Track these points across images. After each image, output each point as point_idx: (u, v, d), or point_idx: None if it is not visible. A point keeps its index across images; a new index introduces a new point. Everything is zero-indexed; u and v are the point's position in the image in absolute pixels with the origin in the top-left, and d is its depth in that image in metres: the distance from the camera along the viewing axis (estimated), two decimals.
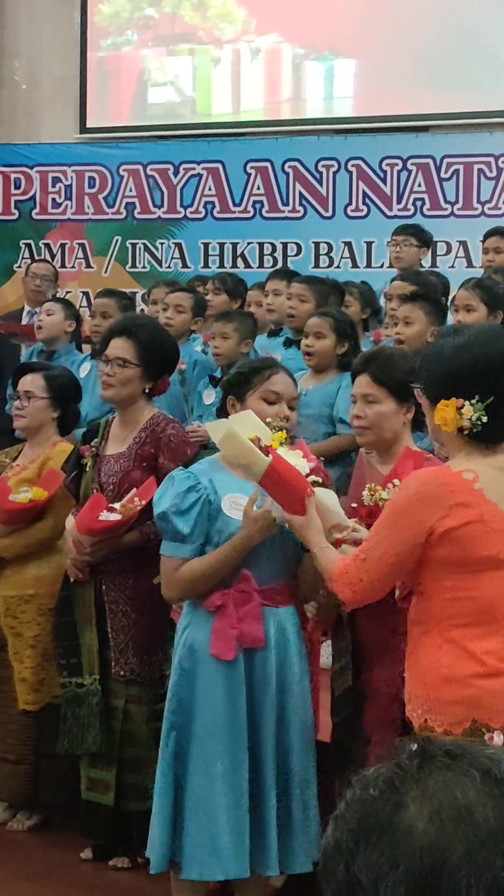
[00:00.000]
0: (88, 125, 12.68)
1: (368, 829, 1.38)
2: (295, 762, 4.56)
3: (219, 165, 11.56)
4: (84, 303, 11.58)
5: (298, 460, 4.35)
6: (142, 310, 9.44)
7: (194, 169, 11.63)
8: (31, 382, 5.96)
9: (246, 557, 4.48)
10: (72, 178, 12.00)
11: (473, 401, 3.73)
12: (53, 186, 12.06)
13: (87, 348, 8.72)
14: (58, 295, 9.23)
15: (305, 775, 4.57)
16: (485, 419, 3.72)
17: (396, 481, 4.32)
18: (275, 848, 4.49)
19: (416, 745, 1.45)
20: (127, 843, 5.39)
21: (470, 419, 3.74)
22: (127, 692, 5.37)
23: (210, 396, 7.10)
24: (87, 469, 5.47)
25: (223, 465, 4.59)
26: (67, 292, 10.54)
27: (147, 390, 5.49)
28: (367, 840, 1.37)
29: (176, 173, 11.69)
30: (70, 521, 5.39)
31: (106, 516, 5.22)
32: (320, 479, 4.38)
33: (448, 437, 3.85)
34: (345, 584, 3.93)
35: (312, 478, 4.31)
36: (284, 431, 4.50)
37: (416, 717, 3.84)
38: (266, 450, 4.32)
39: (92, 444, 5.51)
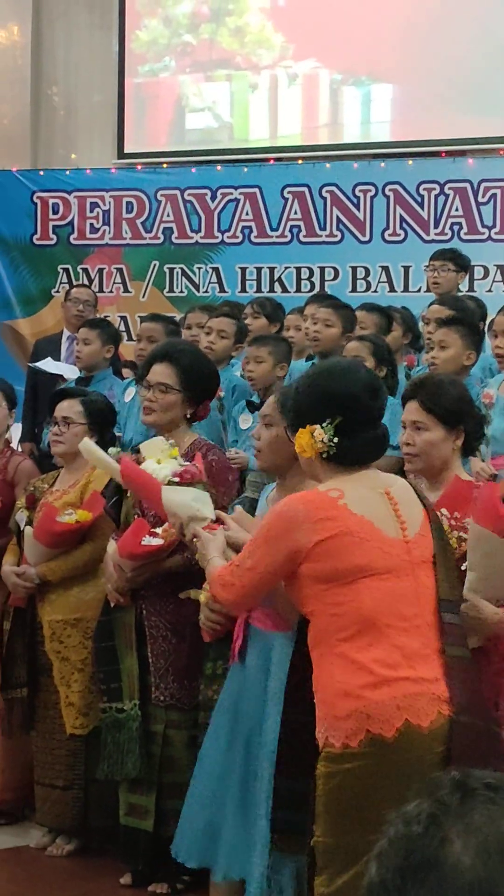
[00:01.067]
0: (126, 151, 12.72)
1: (415, 867, 1.37)
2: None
3: (256, 190, 11.58)
4: (122, 327, 11.61)
5: (165, 469, 4.79)
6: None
7: (232, 194, 11.65)
8: (69, 408, 5.98)
9: None
10: (110, 203, 12.05)
11: (324, 424, 3.91)
12: (91, 212, 12.11)
13: (127, 372, 8.76)
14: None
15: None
16: (336, 440, 3.89)
17: (444, 510, 4.34)
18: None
19: (454, 779, 1.44)
20: (166, 869, 5.38)
21: (323, 441, 3.91)
22: (167, 717, 5.37)
23: (247, 421, 7.11)
24: (129, 494, 5.48)
25: None
26: (105, 317, 10.54)
27: (188, 416, 5.50)
28: (414, 878, 1.36)
29: (213, 198, 11.71)
30: (112, 546, 5.40)
31: (148, 541, 5.23)
32: (177, 480, 4.72)
33: (310, 465, 4.03)
34: (220, 585, 4.11)
35: (170, 479, 4.72)
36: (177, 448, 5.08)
37: (319, 736, 3.85)
38: (120, 459, 4.91)
39: None
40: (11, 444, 6.49)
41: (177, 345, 5.87)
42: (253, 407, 7.15)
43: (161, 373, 5.47)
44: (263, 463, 4.81)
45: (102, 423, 6.03)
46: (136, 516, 5.42)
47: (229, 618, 4.77)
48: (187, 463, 4.95)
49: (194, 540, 4.47)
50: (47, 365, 8.89)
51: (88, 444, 5.14)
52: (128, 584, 5.37)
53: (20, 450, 7.41)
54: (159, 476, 4.79)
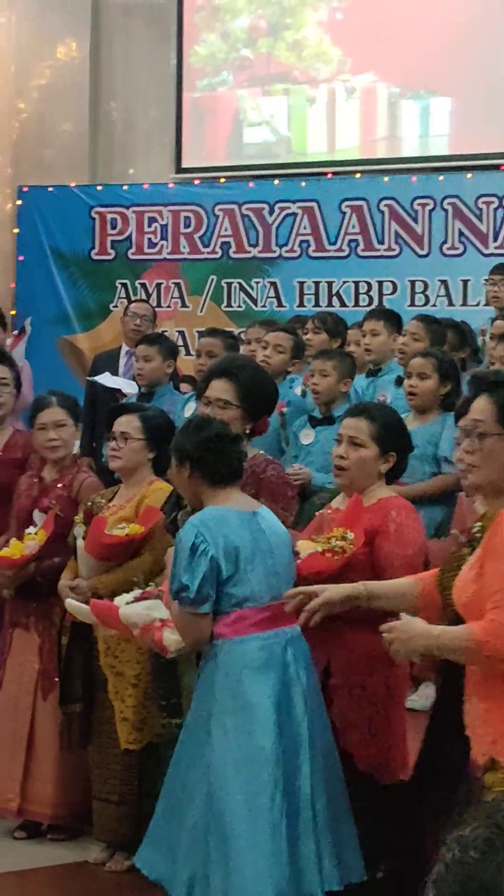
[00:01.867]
0: (184, 165, 12.76)
1: (472, 893, 1.35)
2: None
3: (314, 204, 11.58)
4: (179, 342, 11.63)
5: (127, 596, 5.21)
6: None
7: (289, 208, 11.66)
8: (127, 423, 5.98)
9: None
10: (167, 218, 12.08)
11: None
12: (149, 226, 12.15)
13: (185, 387, 8.76)
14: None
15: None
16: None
17: None
18: None
19: None
20: None
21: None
22: None
23: (308, 437, 7.09)
24: (187, 510, 5.46)
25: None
26: (163, 331, 10.55)
27: (248, 431, 5.49)
28: None
29: (271, 213, 11.72)
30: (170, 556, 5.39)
31: None
32: (133, 599, 5.16)
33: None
34: (496, 635, 3.76)
35: (128, 601, 5.17)
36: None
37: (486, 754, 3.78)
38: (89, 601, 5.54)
39: None
40: (77, 460, 6.50)
41: (236, 360, 5.84)
42: (315, 422, 7.14)
43: (220, 388, 5.46)
44: (344, 481, 4.90)
45: (160, 438, 6.01)
46: None
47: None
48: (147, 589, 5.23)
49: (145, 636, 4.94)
50: (106, 379, 8.91)
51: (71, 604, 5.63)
52: None
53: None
54: (121, 602, 5.15)
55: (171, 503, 5.56)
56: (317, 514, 5.00)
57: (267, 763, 4.46)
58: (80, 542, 5.84)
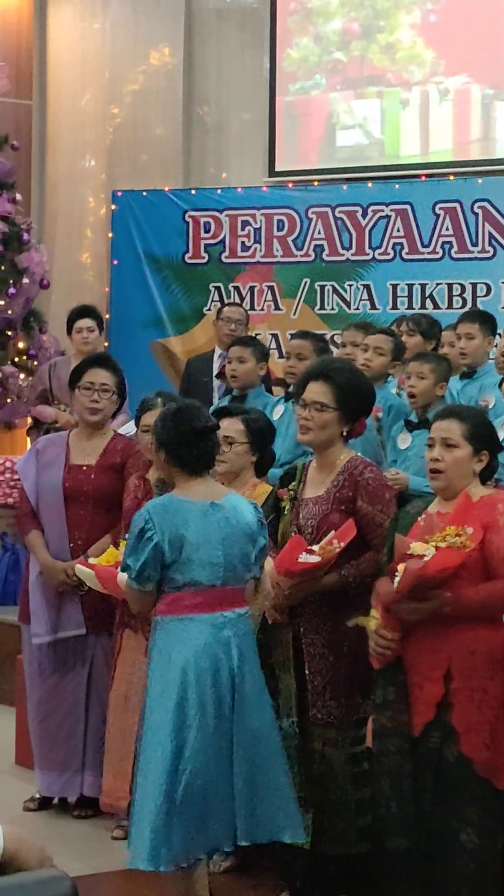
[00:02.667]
0: (277, 169, 12.77)
1: None
2: None
3: (407, 207, 11.54)
4: (273, 345, 11.65)
5: None
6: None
7: (383, 210, 11.62)
8: (231, 427, 6.00)
9: None
10: (261, 221, 12.09)
11: None
12: (243, 230, 12.16)
13: (277, 390, 8.77)
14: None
15: None
16: None
17: None
18: None
19: None
20: (324, 887, 5.36)
21: None
22: (324, 735, 5.35)
23: (405, 441, 7.07)
24: (286, 512, 5.49)
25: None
26: (257, 334, 10.57)
27: (344, 433, 5.50)
28: None
29: (364, 215, 11.69)
30: (269, 563, 5.41)
31: (305, 558, 5.23)
32: None
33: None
34: None
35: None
36: None
37: None
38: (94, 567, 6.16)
39: (290, 487, 5.53)
40: None
41: (332, 363, 5.85)
42: (411, 426, 7.12)
43: (317, 391, 5.47)
44: (442, 483, 4.94)
45: (263, 441, 6.04)
46: (293, 534, 5.42)
47: (399, 643, 4.79)
48: None
49: None
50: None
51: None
52: (285, 602, 5.37)
53: None
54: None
55: (270, 505, 5.59)
56: (419, 520, 4.99)
57: (169, 734, 4.85)
58: None
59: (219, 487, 5.23)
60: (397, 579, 4.75)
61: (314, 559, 5.23)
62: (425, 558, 4.69)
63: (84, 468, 6.75)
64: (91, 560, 6.16)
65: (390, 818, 4.84)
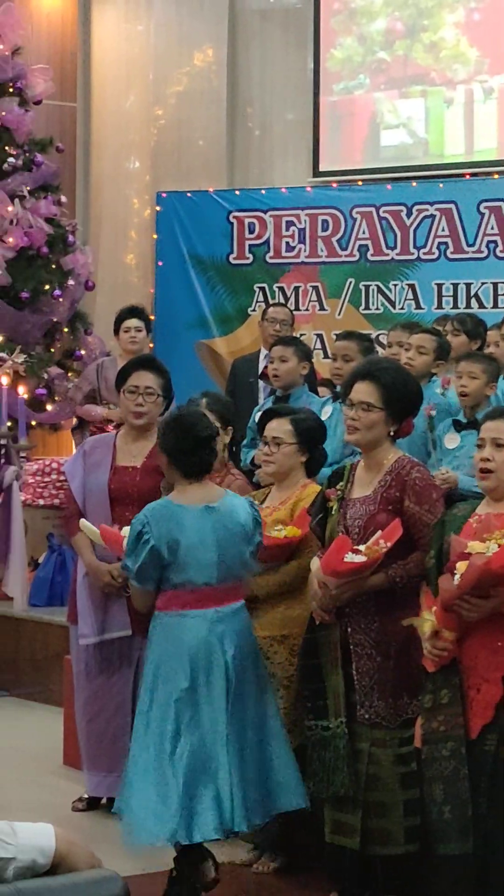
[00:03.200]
0: (321, 169, 12.77)
1: None
2: None
3: (452, 206, 11.51)
4: (318, 345, 11.65)
5: None
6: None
7: (427, 210, 11.60)
8: (279, 428, 6.00)
9: None
10: (305, 221, 12.09)
11: None
12: (287, 230, 12.17)
13: (323, 390, 8.76)
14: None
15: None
16: None
17: None
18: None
19: None
20: (373, 888, 5.36)
21: None
22: (372, 736, 5.34)
23: (453, 441, 7.06)
24: (333, 512, 5.48)
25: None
26: (301, 335, 10.58)
27: (391, 433, 5.49)
28: None
29: (409, 215, 11.67)
30: (315, 563, 5.41)
31: (351, 558, 5.23)
32: None
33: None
34: None
35: None
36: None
37: None
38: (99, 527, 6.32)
39: (338, 487, 5.53)
40: (227, 463, 6.53)
41: (379, 363, 5.85)
42: (460, 427, 7.10)
43: (363, 391, 5.47)
44: (492, 483, 4.95)
45: (312, 441, 6.04)
46: (339, 534, 5.42)
47: (456, 644, 4.78)
48: None
49: None
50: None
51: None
52: (332, 602, 5.36)
53: None
54: (125, 532, 5.73)
55: (318, 505, 5.59)
56: (470, 521, 4.97)
57: (171, 721, 5.19)
58: None
59: (215, 490, 5.47)
60: (457, 577, 4.74)
61: (360, 559, 5.22)
62: (487, 555, 4.69)
63: (130, 469, 6.75)
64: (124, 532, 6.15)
65: (443, 824, 4.81)
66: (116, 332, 9.40)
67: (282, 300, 11.76)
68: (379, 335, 10.54)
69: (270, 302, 11.48)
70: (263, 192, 12.47)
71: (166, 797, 5.12)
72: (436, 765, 4.87)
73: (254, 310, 11.97)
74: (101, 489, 6.72)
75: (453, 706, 4.84)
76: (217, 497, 5.40)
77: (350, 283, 11.87)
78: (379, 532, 5.28)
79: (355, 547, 5.28)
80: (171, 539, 5.25)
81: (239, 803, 5.16)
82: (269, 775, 5.30)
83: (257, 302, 12.05)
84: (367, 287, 11.81)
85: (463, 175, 11.85)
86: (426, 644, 4.91)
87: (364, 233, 11.83)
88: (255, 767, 5.25)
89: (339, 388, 7.76)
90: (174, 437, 5.40)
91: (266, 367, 8.46)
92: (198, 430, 5.38)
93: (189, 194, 12.63)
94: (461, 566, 4.77)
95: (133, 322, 9.28)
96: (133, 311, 9.41)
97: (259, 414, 6.70)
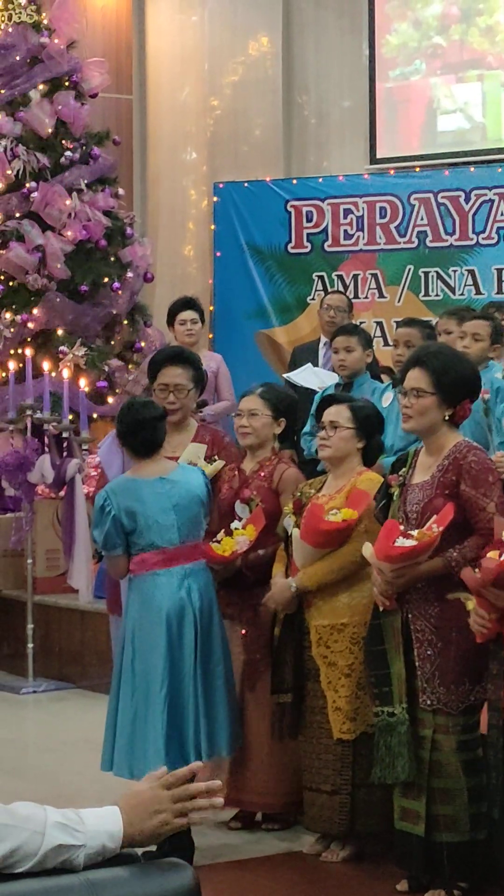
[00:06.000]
0: (378, 156, 12.73)
1: None
2: None
3: None
4: (377, 333, 11.61)
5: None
6: None
7: (486, 195, 11.54)
8: (337, 413, 6.00)
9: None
10: (363, 209, 12.05)
11: None
12: (345, 218, 12.13)
13: (384, 378, 8.73)
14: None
15: None
16: None
17: None
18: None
19: None
20: (441, 875, 5.34)
21: None
22: (434, 722, 5.32)
23: None
24: (395, 498, 5.47)
25: None
26: (361, 322, 10.55)
27: (447, 417, 5.46)
28: None
29: (467, 200, 11.61)
30: (367, 549, 5.40)
31: (402, 542, 5.21)
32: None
33: None
34: None
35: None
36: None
37: None
38: None
39: (400, 473, 5.51)
40: (278, 452, 6.51)
41: (429, 348, 5.83)
42: None
43: (414, 378, 5.46)
44: None
45: (370, 428, 6.03)
46: (400, 520, 5.40)
47: (500, 618, 4.78)
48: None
49: None
50: (300, 378, 8.93)
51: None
52: (391, 588, 5.35)
53: None
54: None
55: (382, 492, 5.58)
56: None
57: (162, 670, 5.74)
58: (294, 532, 5.88)
59: (168, 464, 6.05)
60: (476, 571, 4.79)
61: (410, 543, 5.20)
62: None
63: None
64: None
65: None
66: (171, 324, 9.40)
67: (341, 288, 11.74)
68: (437, 322, 10.49)
69: (329, 290, 11.46)
70: (321, 180, 12.45)
71: (155, 737, 5.67)
72: (492, 731, 4.96)
73: (313, 299, 11.95)
74: None
75: (499, 678, 4.86)
76: (169, 469, 6.00)
77: (409, 269, 11.83)
78: (434, 517, 5.27)
79: (408, 532, 5.27)
80: (129, 508, 5.82)
81: (206, 737, 5.76)
82: (223, 719, 5.88)
83: (316, 291, 12.03)
84: (426, 273, 11.77)
85: None
86: (471, 619, 4.97)
87: (422, 219, 11.79)
88: (215, 710, 5.84)
89: (398, 375, 7.77)
90: (121, 422, 6.00)
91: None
92: (139, 414, 5.92)
93: (246, 184, 12.62)
94: (491, 555, 4.79)
95: (188, 314, 9.29)
96: (188, 303, 9.42)
97: (319, 401, 6.67)
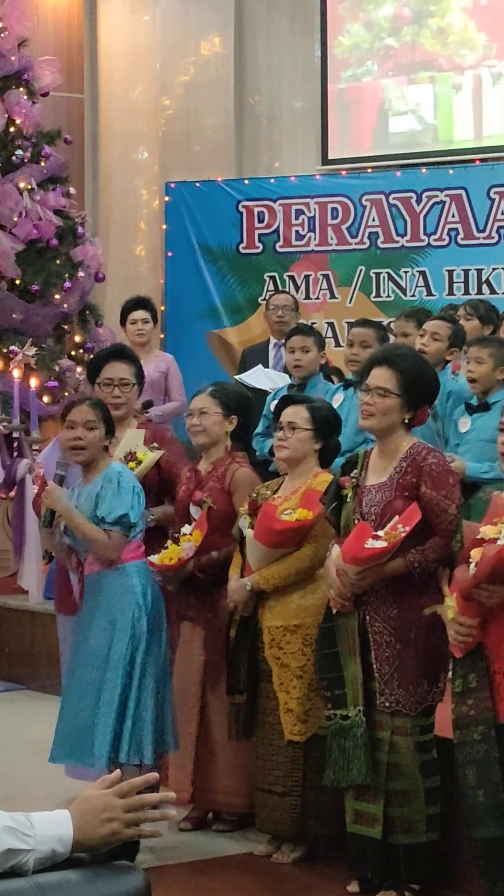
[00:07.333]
0: (330, 156, 12.75)
1: None
2: None
3: (462, 192, 11.48)
4: (329, 333, 11.61)
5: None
6: None
7: (437, 196, 11.57)
8: (295, 414, 5.97)
9: None
10: (315, 209, 12.06)
11: None
12: (297, 219, 12.14)
13: (334, 379, 8.73)
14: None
15: None
16: None
17: None
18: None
19: None
20: (395, 877, 5.33)
21: None
22: (393, 724, 5.31)
23: (465, 424, 7.02)
24: (348, 500, 5.46)
25: None
26: (313, 323, 10.54)
27: (406, 420, 5.46)
28: None
29: (419, 201, 11.64)
30: (335, 551, 5.38)
31: (371, 544, 5.20)
32: None
33: None
34: None
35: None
36: None
37: None
38: None
39: (352, 475, 5.50)
40: (231, 452, 6.49)
41: (397, 349, 5.84)
42: (472, 410, 7.07)
43: (381, 377, 5.44)
44: None
45: (327, 429, 6.01)
46: (355, 521, 5.39)
47: (480, 630, 4.76)
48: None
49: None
50: (251, 379, 8.91)
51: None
52: (351, 590, 5.34)
53: None
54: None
55: (332, 493, 5.56)
56: (493, 501, 4.95)
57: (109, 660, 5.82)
58: (248, 533, 5.85)
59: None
60: (473, 566, 4.71)
61: (380, 544, 5.20)
62: (499, 542, 4.66)
63: None
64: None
65: (478, 807, 4.80)
66: (123, 324, 9.37)
67: (292, 289, 11.75)
68: (390, 323, 10.48)
69: (279, 291, 11.45)
70: (272, 180, 12.45)
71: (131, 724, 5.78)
72: (468, 749, 4.85)
73: (264, 299, 11.90)
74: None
75: (481, 690, 4.82)
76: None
77: (360, 270, 11.85)
78: (396, 517, 5.26)
79: (374, 533, 5.26)
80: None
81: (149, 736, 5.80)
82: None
83: (267, 291, 12.02)
84: (377, 274, 11.78)
85: (472, 161, 11.81)
86: (450, 630, 4.88)
87: (374, 220, 11.81)
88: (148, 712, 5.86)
89: (350, 376, 7.76)
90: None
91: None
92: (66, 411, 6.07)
93: (198, 184, 12.61)
94: (475, 553, 4.74)
95: (139, 314, 9.27)
96: (140, 303, 9.39)
97: (274, 402, 6.66)
